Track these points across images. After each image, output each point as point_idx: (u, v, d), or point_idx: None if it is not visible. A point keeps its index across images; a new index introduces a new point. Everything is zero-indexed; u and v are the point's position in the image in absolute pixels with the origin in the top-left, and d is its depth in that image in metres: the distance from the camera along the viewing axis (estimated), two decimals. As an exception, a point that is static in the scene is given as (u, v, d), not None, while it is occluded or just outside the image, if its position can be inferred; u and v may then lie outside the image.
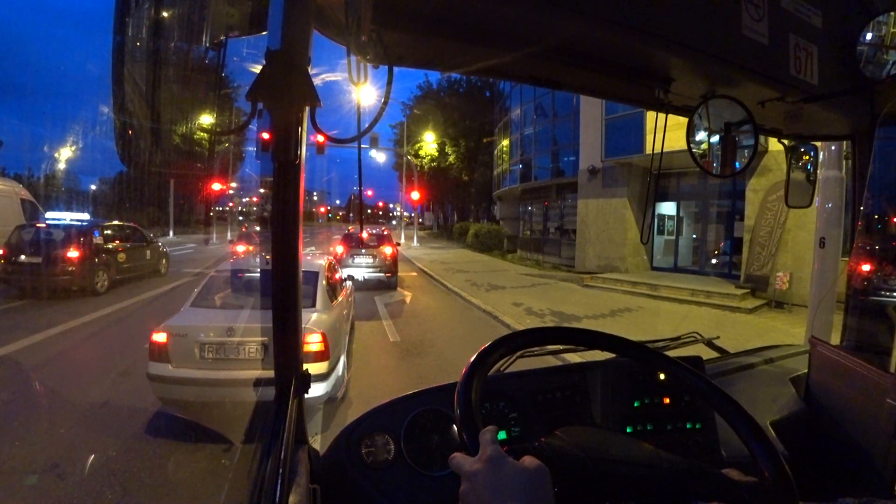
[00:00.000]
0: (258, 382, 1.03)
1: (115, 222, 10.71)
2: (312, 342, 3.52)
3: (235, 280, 4.40)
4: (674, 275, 11.49)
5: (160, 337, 3.43)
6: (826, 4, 1.24)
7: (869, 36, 1.30)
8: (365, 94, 0.90)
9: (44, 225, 8.93)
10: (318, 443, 0.89)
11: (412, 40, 0.95)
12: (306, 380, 0.85)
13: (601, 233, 12.96)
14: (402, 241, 23.56)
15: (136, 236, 10.46)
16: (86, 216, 12.33)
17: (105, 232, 9.54)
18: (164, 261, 11.35)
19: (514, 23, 0.91)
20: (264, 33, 0.73)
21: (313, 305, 4.04)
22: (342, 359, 4.09)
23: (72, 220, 10.07)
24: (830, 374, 1.24)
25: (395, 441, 0.92)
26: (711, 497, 0.57)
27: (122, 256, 9.54)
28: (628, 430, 0.99)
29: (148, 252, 10.64)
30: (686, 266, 12.18)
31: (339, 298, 4.77)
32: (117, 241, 9.72)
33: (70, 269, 8.22)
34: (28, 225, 8.80)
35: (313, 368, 3.45)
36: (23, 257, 8.11)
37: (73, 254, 8.29)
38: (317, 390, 3.48)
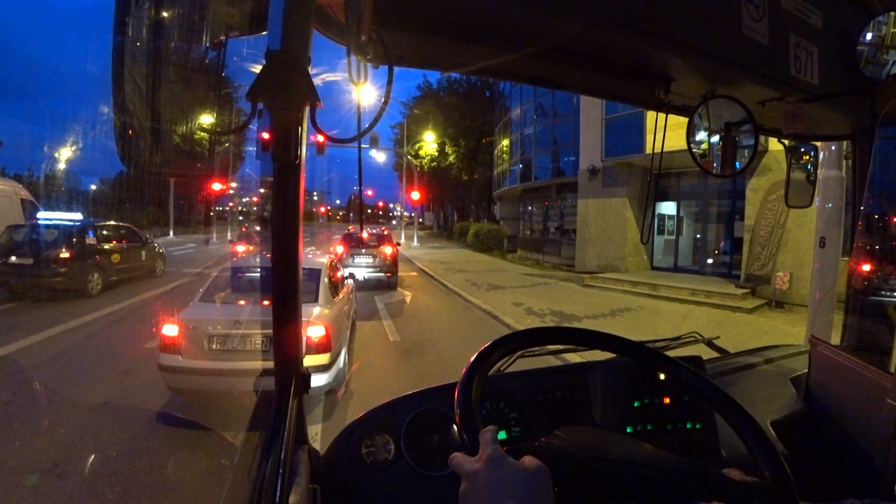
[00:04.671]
0: (260, 377, 1.02)
1: (110, 222, 10.54)
2: (315, 334, 3.63)
3: (241, 277, 4.51)
4: (674, 274, 11.49)
5: (171, 330, 3.53)
6: (826, 4, 1.24)
7: (869, 36, 1.30)
8: (365, 93, 0.90)
9: (36, 225, 8.76)
10: (318, 442, 0.89)
11: (412, 40, 0.95)
12: (306, 380, 0.85)
13: (601, 232, 12.96)
14: (402, 240, 23.56)
15: (131, 237, 10.30)
16: (79, 216, 12.13)
17: (98, 232, 9.37)
18: (160, 262, 11.21)
19: (514, 23, 0.91)
20: (264, 33, 0.73)
21: (316, 300, 4.17)
22: (343, 352, 4.20)
23: (64, 220, 9.82)
24: (830, 374, 1.24)
25: (396, 441, 0.91)
26: (712, 497, 0.57)
27: (116, 257, 9.38)
28: (628, 430, 0.99)
29: (143, 253, 10.49)
30: (686, 266, 12.18)
31: (341, 295, 4.89)
32: (111, 242, 9.55)
33: (61, 270, 8.05)
34: (19, 225, 8.63)
35: (316, 359, 3.58)
36: (13, 258, 7.97)
37: (64, 255, 8.12)
38: (318, 381, 3.59)
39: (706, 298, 8.79)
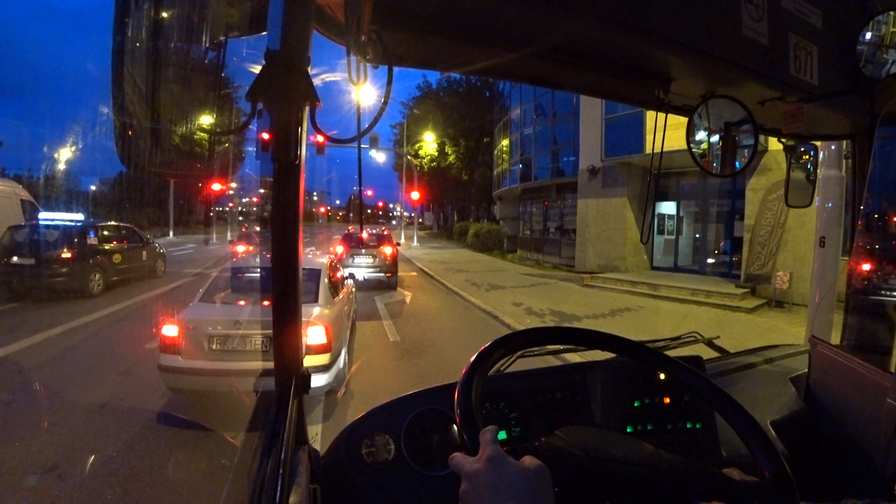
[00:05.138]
0: (260, 377, 1.02)
1: (111, 223, 10.55)
2: (315, 334, 3.62)
3: (241, 278, 4.51)
4: (674, 274, 11.48)
5: (171, 330, 3.53)
6: (826, 4, 1.24)
7: (868, 35, 1.30)
8: (365, 94, 0.90)
9: (37, 225, 8.77)
10: (318, 443, 0.89)
11: (412, 40, 0.95)
12: (306, 380, 0.85)
13: (601, 232, 12.96)
14: (402, 240, 23.56)
15: (132, 237, 10.31)
16: (80, 216, 12.15)
17: (100, 233, 9.38)
18: (160, 262, 11.22)
19: (514, 23, 0.91)
20: (264, 33, 0.73)
21: (316, 301, 4.16)
22: (343, 352, 4.20)
23: (66, 220, 9.84)
24: (830, 373, 1.24)
25: (396, 441, 0.91)
26: (712, 497, 0.57)
27: (117, 257, 9.39)
28: (628, 430, 0.99)
29: (144, 253, 10.50)
30: (686, 265, 12.17)
31: (341, 295, 4.89)
32: (113, 243, 9.56)
33: (63, 270, 8.07)
34: (20, 225, 8.64)
35: (316, 360, 3.57)
36: (15, 258, 7.98)
37: (66, 255, 8.14)
38: (319, 381, 3.58)
39: (706, 298, 8.79)
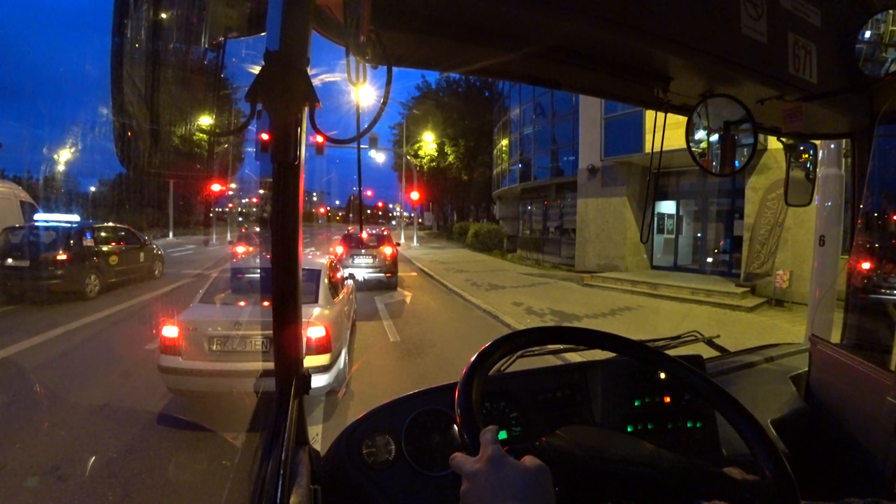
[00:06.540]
0: (260, 378, 1.03)
1: (108, 224, 10.49)
2: (315, 335, 3.62)
3: (241, 278, 4.50)
4: (674, 273, 11.49)
5: (171, 331, 3.53)
6: (825, 3, 1.24)
7: (868, 34, 1.30)
8: (364, 94, 0.90)
9: (32, 226, 8.70)
10: (318, 443, 0.89)
11: (411, 40, 0.95)
12: (307, 380, 0.85)
13: (601, 232, 12.96)
14: (402, 241, 23.55)
15: (129, 238, 10.24)
16: (76, 217, 12.06)
17: (96, 234, 9.30)
18: (158, 263, 11.17)
19: (513, 23, 0.91)
20: (263, 34, 0.73)
21: (316, 301, 4.16)
22: (343, 353, 4.20)
23: (62, 221, 9.72)
24: (831, 372, 1.24)
25: (396, 441, 0.92)
26: (712, 496, 0.57)
27: (113, 259, 9.31)
28: (629, 430, 0.99)
29: (142, 254, 10.43)
30: (686, 265, 12.18)
31: (341, 296, 4.89)
32: (109, 244, 9.48)
33: (58, 272, 7.99)
34: (16, 227, 8.54)
35: (316, 360, 3.57)
36: (10, 261, 7.90)
37: (61, 257, 8.06)
38: (319, 381, 3.58)
39: (706, 297, 8.79)
